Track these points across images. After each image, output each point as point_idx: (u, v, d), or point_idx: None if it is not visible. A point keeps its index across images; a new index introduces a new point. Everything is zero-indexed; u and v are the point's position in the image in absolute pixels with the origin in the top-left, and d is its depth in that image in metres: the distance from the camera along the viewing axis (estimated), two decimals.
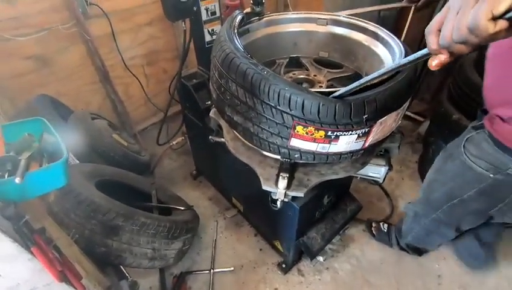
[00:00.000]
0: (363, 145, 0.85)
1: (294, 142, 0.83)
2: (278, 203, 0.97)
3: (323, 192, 1.29)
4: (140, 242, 1.18)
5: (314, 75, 1.11)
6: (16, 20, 1.49)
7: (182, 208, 1.56)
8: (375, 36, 1.03)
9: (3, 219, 0.59)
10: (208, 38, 1.47)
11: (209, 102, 1.48)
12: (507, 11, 0.41)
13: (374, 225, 1.69)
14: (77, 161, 1.53)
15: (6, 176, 0.65)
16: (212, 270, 1.53)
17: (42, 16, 1.56)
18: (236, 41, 0.87)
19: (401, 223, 1.55)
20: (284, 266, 1.54)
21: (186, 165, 2.13)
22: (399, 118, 0.90)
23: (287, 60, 1.22)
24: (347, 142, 0.82)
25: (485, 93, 0.92)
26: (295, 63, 1.23)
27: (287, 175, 0.91)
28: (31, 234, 0.65)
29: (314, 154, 0.86)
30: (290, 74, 1.13)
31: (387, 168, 1.12)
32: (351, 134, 0.79)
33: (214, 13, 1.42)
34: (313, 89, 0.77)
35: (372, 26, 1.04)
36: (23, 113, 1.53)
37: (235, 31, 0.93)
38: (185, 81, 1.51)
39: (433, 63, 0.49)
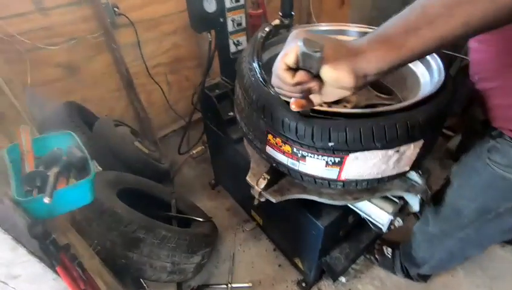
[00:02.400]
0: (338, 176, 0.79)
1: (269, 150, 0.85)
2: (255, 201, 0.98)
3: (348, 210, 1.23)
4: (160, 256, 1.17)
5: None
6: (48, 29, 1.54)
7: (201, 220, 1.54)
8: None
9: (30, 238, 0.58)
10: (232, 49, 1.46)
11: (232, 113, 1.46)
12: (299, 62, 0.43)
13: (376, 247, 1.55)
14: (100, 169, 1.55)
15: (35, 192, 0.64)
16: (229, 285, 1.49)
17: (73, 25, 1.60)
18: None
19: (408, 248, 1.39)
20: (304, 284, 1.48)
21: (204, 174, 2.12)
22: (401, 161, 0.77)
23: None
24: (315, 166, 0.77)
25: (493, 100, 0.84)
26: None
27: (269, 177, 0.92)
28: (57, 252, 0.64)
29: (287, 168, 0.84)
30: None
31: (391, 218, 0.96)
32: (317, 158, 0.75)
33: (240, 24, 1.41)
34: (334, 108, 0.74)
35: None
36: (50, 119, 1.57)
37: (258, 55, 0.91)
38: (208, 92, 1.50)
39: (291, 107, 0.51)
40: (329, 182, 0.82)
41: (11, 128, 1.09)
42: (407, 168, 0.82)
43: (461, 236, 1.12)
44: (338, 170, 0.77)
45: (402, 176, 0.90)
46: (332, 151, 0.72)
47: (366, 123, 0.68)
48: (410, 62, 0.47)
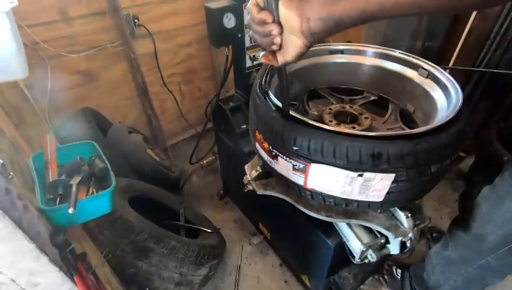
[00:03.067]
0: (305, 183, 0.82)
1: (257, 146, 0.93)
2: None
3: None
4: (169, 266, 1.17)
5: (350, 106, 1.10)
6: (70, 38, 1.59)
7: (209, 231, 1.54)
8: (431, 77, 0.98)
9: (51, 247, 0.59)
10: (248, 64, 1.48)
11: (244, 126, 1.48)
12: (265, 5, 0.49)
13: (385, 267, 1.51)
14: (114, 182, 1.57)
15: (58, 200, 0.66)
16: None
17: (94, 35, 1.66)
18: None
19: (420, 270, 1.34)
20: None
21: (213, 184, 2.13)
22: (368, 190, 0.75)
23: (306, 94, 1.22)
24: (285, 167, 0.81)
25: None
26: (316, 96, 1.23)
27: (260, 171, 1.01)
28: (75, 261, 0.65)
29: (267, 165, 0.91)
30: (327, 108, 1.10)
31: (362, 249, 0.92)
32: (286, 159, 0.79)
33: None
34: (335, 127, 0.76)
35: (427, 65, 1.00)
36: (67, 125, 1.61)
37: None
38: (222, 104, 1.52)
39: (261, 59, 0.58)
40: (299, 188, 0.86)
41: (31, 132, 1.12)
42: (379, 200, 0.78)
43: (481, 263, 1.07)
44: (304, 177, 0.80)
45: (379, 207, 0.85)
46: (297, 157, 0.76)
47: (330, 139, 0.70)
48: (346, 23, 0.50)
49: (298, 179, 0.82)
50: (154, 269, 1.15)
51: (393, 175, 0.72)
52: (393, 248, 0.94)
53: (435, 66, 0.97)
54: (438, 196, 2.00)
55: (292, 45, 0.52)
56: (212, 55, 2.24)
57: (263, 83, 0.94)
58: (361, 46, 1.13)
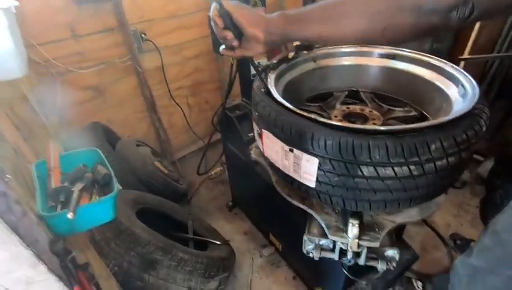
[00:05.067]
0: (263, 149, 0.89)
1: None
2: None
3: None
4: (176, 279, 1.12)
5: (370, 111, 1.03)
6: (80, 54, 1.64)
7: (218, 243, 1.49)
8: (444, 73, 0.94)
9: (51, 255, 0.56)
10: (253, 71, 1.48)
11: (252, 134, 1.46)
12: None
13: (405, 279, 1.42)
14: (120, 187, 1.56)
15: (59, 208, 0.64)
16: None
17: (103, 51, 1.70)
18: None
19: (444, 282, 1.27)
20: None
21: (222, 195, 2.09)
22: (300, 169, 0.78)
23: (345, 93, 1.16)
24: (255, 130, 0.92)
25: None
26: (355, 97, 1.17)
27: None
28: (76, 271, 0.62)
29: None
30: (344, 107, 1.07)
31: (305, 238, 0.91)
32: (254, 125, 0.91)
33: None
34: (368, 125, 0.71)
35: (438, 62, 0.96)
36: (76, 140, 1.62)
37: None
38: (228, 112, 1.51)
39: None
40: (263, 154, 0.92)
41: (38, 145, 1.13)
42: (310, 184, 0.79)
43: (510, 274, 1.00)
44: (262, 142, 0.88)
45: (309, 189, 0.82)
46: (257, 122, 0.87)
47: (278, 110, 0.78)
48: (296, 40, 0.75)
49: (260, 144, 0.91)
50: (162, 283, 1.11)
51: (317, 159, 0.72)
52: (336, 252, 0.89)
53: (446, 62, 0.93)
54: (458, 202, 1.91)
55: (255, 48, 0.70)
56: (218, 67, 2.26)
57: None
58: (418, 54, 1.03)
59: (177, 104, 2.11)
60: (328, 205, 0.89)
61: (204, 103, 2.34)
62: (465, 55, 1.61)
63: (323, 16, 0.59)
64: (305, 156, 0.74)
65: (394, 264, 0.90)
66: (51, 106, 1.57)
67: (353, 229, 0.82)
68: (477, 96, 0.76)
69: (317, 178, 0.76)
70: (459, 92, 0.86)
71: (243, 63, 1.47)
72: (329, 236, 0.86)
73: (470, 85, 0.82)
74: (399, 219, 0.88)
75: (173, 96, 2.06)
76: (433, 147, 0.66)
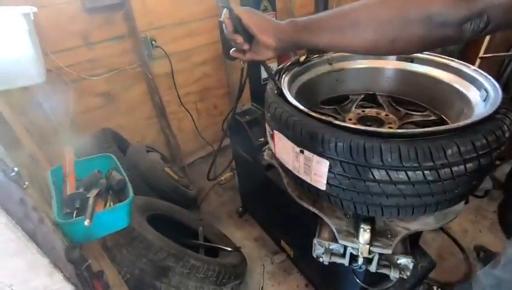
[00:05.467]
0: (275, 150, 0.89)
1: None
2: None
3: None
4: (189, 286, 1.11)
5: (386, 115, 1.01)
6: (92, 62, 1.66)
7: (230, 249, 1.47)
8: (464, 76, 0.92)
9: (67, 262, 0.56)
10: (264, 75, 1.47)
11: (262, 139, 1.44)
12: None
13: (425, 286, 1.37)
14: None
15: (74, 214, 0.63)
16: None
17: (114, 58, 1.72)
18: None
19: None
20: None
21: (232, 201, 2.08)
22: (310, 171, 0.77)
23: (362, 96, 1.14)
24: (268, 131, 0.90)
25: None
26: (372, 101, 1.15)
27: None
28: (91, 279, 0.61)
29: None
30: (359, 110, 1.05)
31: (315, 242, 0.88)
32: (267, 126, 0.89)
33: None
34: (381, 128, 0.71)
35: (459, 64, 0.93)
36: (87, 145, 1.64)
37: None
38: (239, 117, 1.50)
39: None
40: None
41: (51, 151, 1.14)
42: (321, 187, 0.78)
43: None
44: (273, 143, 0.88)
45: (319, 193, 0.81)
46: (269, 123, 0.87)
47: (289, 111, 0.78)
48: (306, 47, 0.69)
49: (272, 145, 0.90)
50: None
51: (327, 161, 0.71)
52: (346, 257, 0.86)
53: (465, 63, 0.91)
54: (475, 207, 1.85)
55: (265, 53, 0.70)
56: (227, 72, 2.26)
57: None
58: (437, 56, 1.00)
59: (187, 109, 2.11)
60: (339, 208, 0.87)
61: (213, 108, 2.34)
62: (477, 64, 1.57)
63: (333, 25, 0.59)
64: (316, 157, 0.73)
65: (408, 273, 0.87)
66: (64, 112, 1.59)
67: (364, 234, 0.80)
68: (499, 100, 0.74)
69: (327, 180, 0.75)
70: (481, 95, 0.83)
71: (253, 68, 1.47)
72: (339, 241, 0.84)
73: (493, 88, 0.79)
74: (414, 226, 0.85)
75: (182, 102, 2.07)
76: (449, 151, 0.63)
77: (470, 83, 0.90)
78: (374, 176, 0.68)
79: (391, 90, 1.13)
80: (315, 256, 0.92)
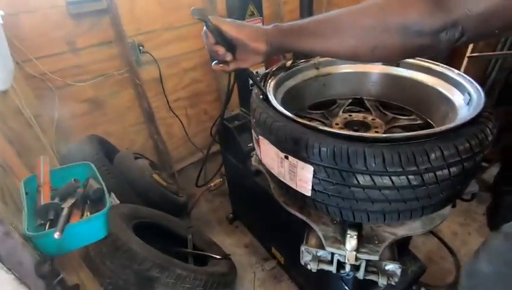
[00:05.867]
0: (260, 155, 0.89)
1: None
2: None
3: None
4: None
5: (373, 119, 1.01)
6: (78, 68, 1.63)
7: (219, 257, 1.45)
8: (448, 80, 0.92)
9: (37, 278, 0.53)
10: (252, 80, 1.47)
11: (251, 144, 1.43)
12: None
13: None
14: (118, 201, 1.52)
15: (47, 226, 0.61)
16: None
17: (100, 63, 1.69)
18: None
19: None
20: None
21: (222, 207, 2.05)
22: (295, 177, 0.76)
23: (349, 100, 1.14)
24: (253, 137, 0.90)
25: None
26: (360, 105, 1.14)
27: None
28: None
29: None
30: (346, 115, 1.04)
31: (302, 249, 0.87)
32: (253, 131, 0.88)
33: None
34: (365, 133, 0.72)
35: (443, 68, 0.93)
36: (73, 153, 1.60)
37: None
38: (227, 123, 1.49)
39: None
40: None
41: (34, 160, 1.10)
42: (306, 193, 0.77)
43: None
44: (259, 150, 0.87)
45: (306, 200, 0.80)
46: (254, 129, 0.86)
47: (273, 116, 0.77)
48: (293, 51, 0.71)
49: (258, 150, 0.90)
50: None
51: (312, 167, 0.70)
52: (333, 264, 0.85)
53: (448, 67, 0.91)
54: (464, 210, 1.86)
55: (253, 59, 0.71)
56: (217, 78, 2.25)
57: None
58: (422, 60, 1.00)
59: (176, 115, 2.09)
60: (325, 214, 0.86)
61: (203, 113, 2.33)
62: (462, 68, 1.58)
63: (316, 31, 0.60)
64: (300, 163, 0.72)
65: (396, 279, 0.86)
66: (48, 119, 1.55)
67: (351, 240, 0.79)
68: (482, 104, 0.74)
69: (312, 186, 0.74)
70: (465, 99, 0.84)
71: (241, 73, 1.46)
72: (326, 247, 0.82)
73: (476, 92, 0.79)
74: (401, 231, 0.84)
75: (172, 107, 2.04)
76: (432, 156, 0.63)
77: (454, 86, 0.90)
78: (358, 181, 0.67)
79: (378, 95, 1.13)
80: (303, 263, 0.90)
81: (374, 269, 0.85)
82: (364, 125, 1.00)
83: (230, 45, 0.68)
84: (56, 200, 0.66)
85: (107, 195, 0.69)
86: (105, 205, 0.69)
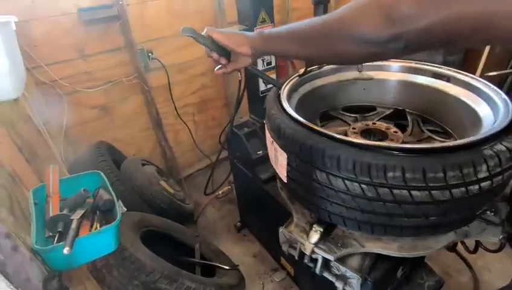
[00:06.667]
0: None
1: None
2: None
3: (398, 262, 1.06)
4: None
5: (395, 132, 0.95)
6: (87, 74, 1.63)
7: (227, 268, 1.41)
8: (474, 90, 0.88)
9: None
10: (262, 87, 1.45)
11: (260, 152, 1.41)
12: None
13: None
14: (125, 209, 1.50)
15: (56, 238, 0.58)
16: None
17: (109, 70, 1.69)
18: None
19: None
20: None
21: (229, 215, 2.01)
22: (278, 162, 0.83)
23: (391, 110, 1.10)
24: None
25: None
26: (401, 118, 1.09)
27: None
28: None
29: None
30: (370, 123, 1.01)
31: (280, 230, 0.92)
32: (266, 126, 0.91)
33: (269, 63, 1.41)
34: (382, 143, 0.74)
35: (469, 78, 0.90)
36: (81, 160, 1.59)
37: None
38: (236, 130, 1.47)
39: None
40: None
41: (42, 167, 1.09)
42: (283, 178, 0.85)
43: None
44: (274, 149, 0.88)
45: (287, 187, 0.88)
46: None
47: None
48: (275, 55, 0.94)
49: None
50: None
51: (285, 154, 0.76)
52: (297, 250, 0.91)
53: (476, 77, 0.88)
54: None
55: (244, 61, 0.80)
56: (225, 84, 2.24)
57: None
58: (475, 78, 0.93)
59: (184, 121, 2.08)
60: (305, 209, 0.92)
61: (211, 120, 2.31)
62: (492, 72, 1.50)
63: (288, 39, 0.68)
64: (279, 149, 0.80)
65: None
66: (57, 126, 1.55)
67: (314, 234, 0.83)
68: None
69: (287, 173, 0.81)
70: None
71: (251, 80, 1.44)
72: (293, 233, 0.88)
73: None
74: (371, 245, 0.81)
75: (179, 114, 2.03)
76: (390, 174, 0.62)
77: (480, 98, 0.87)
78: (317, 176, 0.71)
79: (421, 109, 1.05)
80: (281, 244, 0.96)
81: (337, 272, 0.87)
82: (382, 135, 0.97)
83: (226, 51, 0.78)
84: (65, 211, 0.64)
85: (117, 206, 0.67)
86: (115, 216, 0.66)
